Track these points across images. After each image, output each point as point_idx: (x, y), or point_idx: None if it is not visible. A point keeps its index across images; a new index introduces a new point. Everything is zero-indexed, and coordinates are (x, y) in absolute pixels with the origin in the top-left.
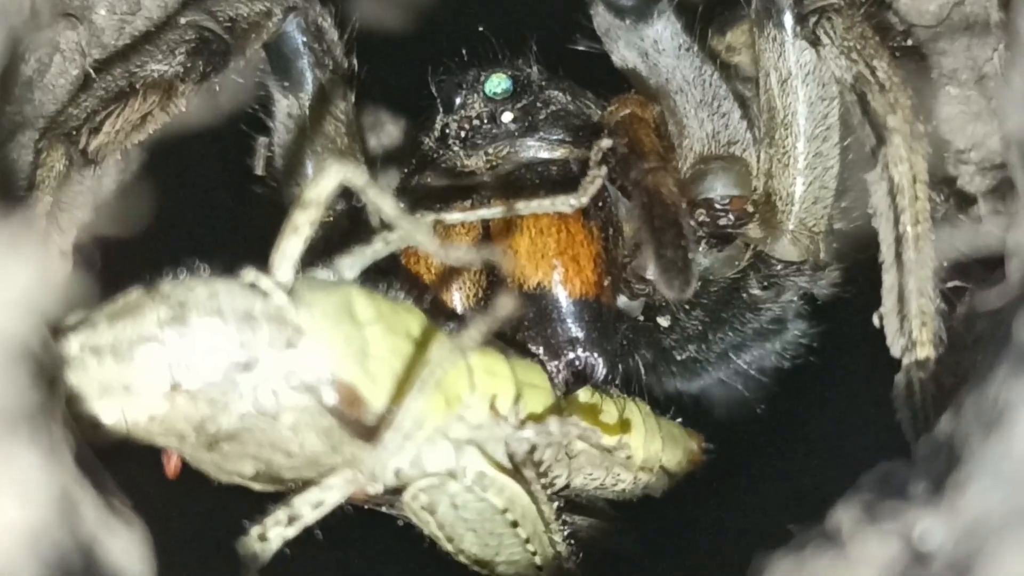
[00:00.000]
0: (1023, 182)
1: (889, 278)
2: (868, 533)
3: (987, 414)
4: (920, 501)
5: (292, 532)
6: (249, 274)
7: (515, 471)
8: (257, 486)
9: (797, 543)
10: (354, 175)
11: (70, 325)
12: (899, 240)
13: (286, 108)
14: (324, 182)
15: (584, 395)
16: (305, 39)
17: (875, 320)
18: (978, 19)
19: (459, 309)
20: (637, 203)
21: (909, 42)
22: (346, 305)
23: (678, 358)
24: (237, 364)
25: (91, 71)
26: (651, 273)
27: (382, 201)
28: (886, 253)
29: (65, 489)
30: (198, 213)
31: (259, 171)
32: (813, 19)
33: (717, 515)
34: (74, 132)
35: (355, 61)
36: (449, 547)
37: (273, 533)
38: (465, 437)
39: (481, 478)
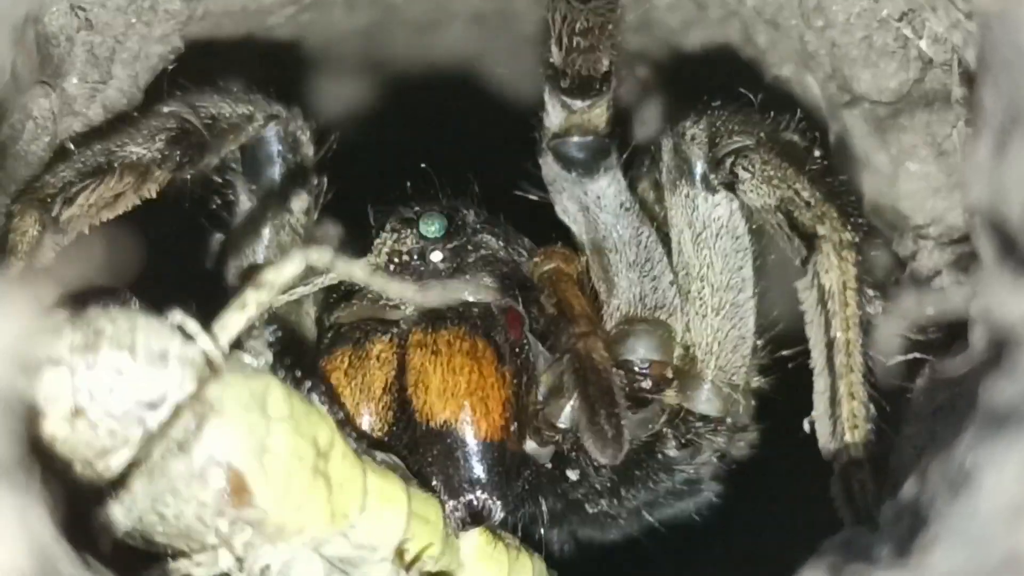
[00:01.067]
0: (986, 252)
1: (820, 383)
2: None
3: (953, 477)
4: (886, 564)
5: None
6: (178, 315)
7: None
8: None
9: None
10: (319, 255)
11: None
12: (830, 345)
13: (248, 210)
14: (287, 267)
15: (479, 538)
16: (281, 148)
17: (806, 425)
18: (938, 95)
19: (367, 429)
20: (568, 369)
21: (818, 154)
22: (261, 394)
23: (588, 511)
24: (141, 401)
25: (69, 143)
26: (585, 441)
27: (353, 269)
28: (816, 359)
29: (43, 544)
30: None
31: (209, 265)
32: (729, 160)
33: None
34: (48, 200)
35: (325, 180)
36: None
37: None
38: (340, 556)
39: None
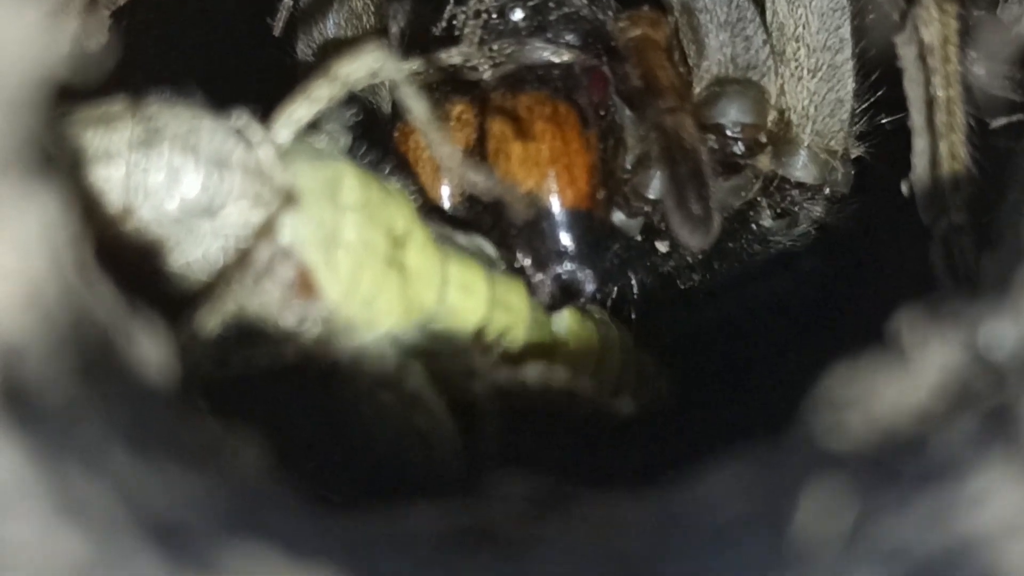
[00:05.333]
0: None
1: (919, 143)
2: (931, 337)
3: None
4: (983, 301)
5: None
6: (241, 119)
7: None
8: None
9: (854, 353)
10: (393, 68)
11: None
12: (930, 103)
13: None
14: (361, 61)
15: (568, 318)
16: None
17: (904, 188)
18: None
19: (446, 199)
20: (655, 147)
21: None
22: (334, 183)
23: (680, 287)
24: (197, 207)
25: None
26: (672, 225)
27: (414, 103)
28: (916, 118)
29: (83, 262)
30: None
31: (278, 32)
32: None
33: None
34: None
35: None
36: None
37: None
38: (416, 344)
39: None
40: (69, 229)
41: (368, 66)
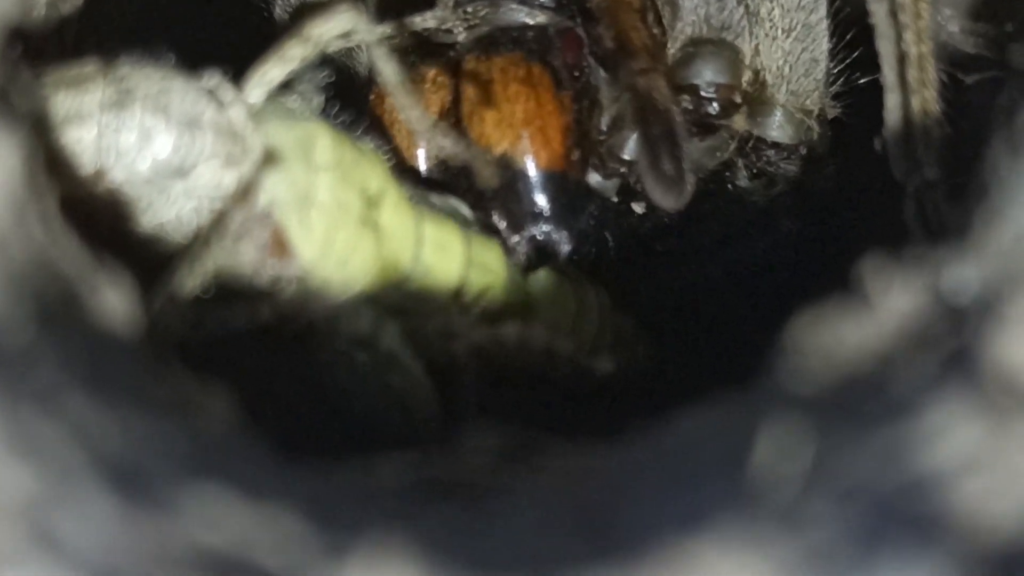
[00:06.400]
0: None
1: (892, 99)
2: (894, 283)
3: (1017, 140)
4: (949, 246)
5: None
6: (212, 79)
7: None
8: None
9: (818, 300)
10: (365, 29)
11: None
12: (901, 60)
13: None
14: (333, 23)
15: (544, 279)
16: None
17: (876, 144)
18: None
19: (422, 162)
20: (628, 108)
21: None
22: (307, 143)
23: (657, 248)
24: (168, 167)
25: None
26: (646, 186)
27: (385, 67)
28: (888, 74)
29: (44, 213)
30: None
31: None
32: None
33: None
34: None
35: None
36: None
37: None
38: (394, 304)
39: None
40: (32, 180)
41: (340, 27)
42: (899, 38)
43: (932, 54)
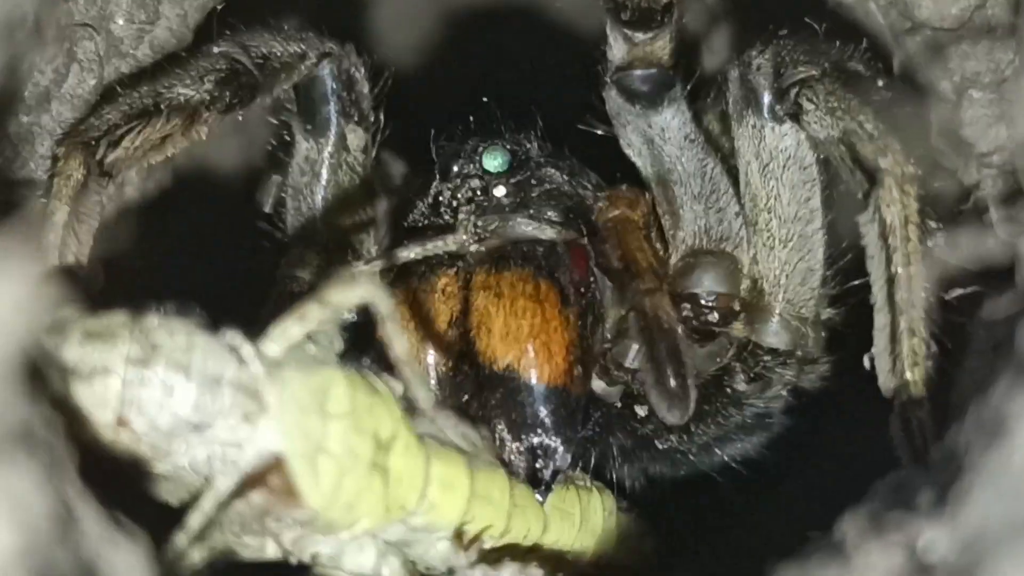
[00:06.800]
0: None
1: (880, 319)
2: (872, 544)
3: (988, 424)
4: (925, 511)
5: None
6: (235, 337)
7: None
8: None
9: (803, 552)
10: (381, 301)
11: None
12: (891, 281)
13: (305, 151)
14: (351, 293)
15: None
16: (335, 86)
17: (866, 362)
18: (1000, 23)
19: (431, 365)
20: (634, 326)
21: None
22: (321, 392)
23: (659, 447)
24: (188, 423)
25: (116, 86)
26: (651, 400)
27: (395, 338)
28: (877, 294)
29: (66, 504)
30: (208, 244)
31: (267, 208)
32: (794, 91)
33: (729, 526)
34: (93, 142)
35: (382, 116)
36: None
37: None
38: (397, 539)
39: None
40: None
41: (359, 297)
42: (889, 260)
43: (921, 275)
